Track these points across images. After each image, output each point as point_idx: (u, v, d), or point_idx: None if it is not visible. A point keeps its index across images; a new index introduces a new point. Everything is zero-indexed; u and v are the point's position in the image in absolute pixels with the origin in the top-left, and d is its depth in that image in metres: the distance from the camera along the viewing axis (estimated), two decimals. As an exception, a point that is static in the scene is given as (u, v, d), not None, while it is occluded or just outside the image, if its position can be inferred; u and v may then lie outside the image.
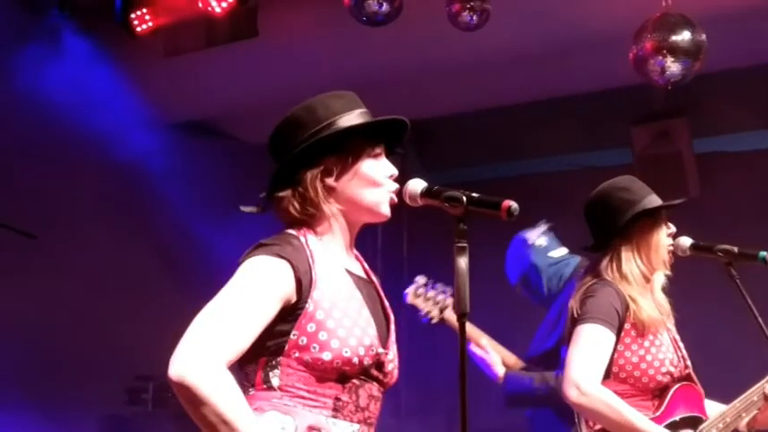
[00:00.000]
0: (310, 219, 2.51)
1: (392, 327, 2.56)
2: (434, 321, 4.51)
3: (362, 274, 2.60)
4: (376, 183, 2.53)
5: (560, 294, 4.58)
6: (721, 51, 5.27)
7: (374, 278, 2.65)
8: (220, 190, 6.51)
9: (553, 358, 4.36)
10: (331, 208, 2.51)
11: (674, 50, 4.99)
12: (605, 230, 3.51)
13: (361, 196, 2.52)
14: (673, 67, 4.99)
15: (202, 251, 6.28)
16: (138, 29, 6.61)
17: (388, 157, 2.61)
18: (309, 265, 2.42)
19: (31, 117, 6.12)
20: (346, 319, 2.40)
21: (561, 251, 4.70)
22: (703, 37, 5.04)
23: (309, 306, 2.38)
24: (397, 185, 2.56)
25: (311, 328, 2.37)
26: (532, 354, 4.58)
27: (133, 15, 6.58)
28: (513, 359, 4.62)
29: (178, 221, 6.46)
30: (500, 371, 4.51)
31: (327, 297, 2.41)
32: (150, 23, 6.61)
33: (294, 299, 2.39)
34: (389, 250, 7.43)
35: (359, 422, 2.43)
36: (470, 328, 4.62)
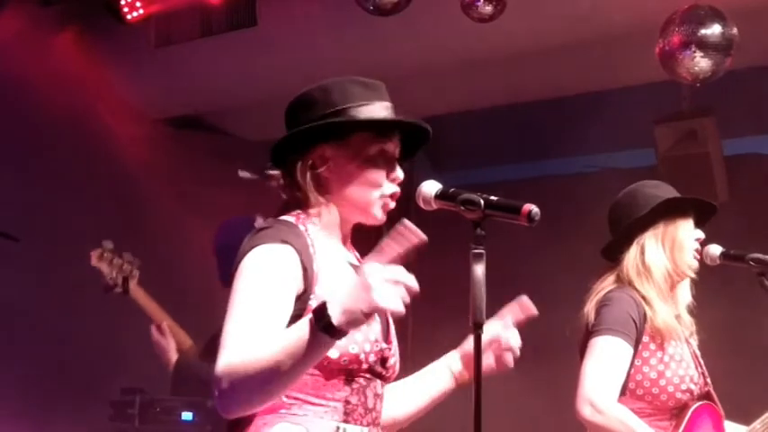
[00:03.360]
0: (302, 203, 2.51)
1: (390, 319, 2.55)
2: (118, 290, 4.61)
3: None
4: (372, 183, 2.50)
5: None
6: (754, 46, 5.27)
7: None
8: (214, 191, 6.49)
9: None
10: (318, 198, 2.49)
11: (704, 45, 4.98)
12: (628, 225, 3.48)
13: (352, 194, 2.50)
14: (702, 62, 4.99)
15: (194, 254, 6.26)
16: (128, 16, 6.60)
17: (400, 159, 2.57)
18: (311, 256, 2.42)
19: (12, 110, 6.11)
20: None
21: None
22: (735, 31, 5.03)
23: (312, 303, 2.36)
24: (396, 189, 2.53)
25: None
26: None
27: (123, 2, 6.59)
28: (188, 343, 4.73)
29: (168, 223, 6.44)
30: (173, 357, 4.63)
31: (331, 292, 2.38)
32: (141, 10, 6.60)
33: (301, 289, 2.39)
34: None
35: (368, 425, 2.46)
36: (155, 309, 4.78)
